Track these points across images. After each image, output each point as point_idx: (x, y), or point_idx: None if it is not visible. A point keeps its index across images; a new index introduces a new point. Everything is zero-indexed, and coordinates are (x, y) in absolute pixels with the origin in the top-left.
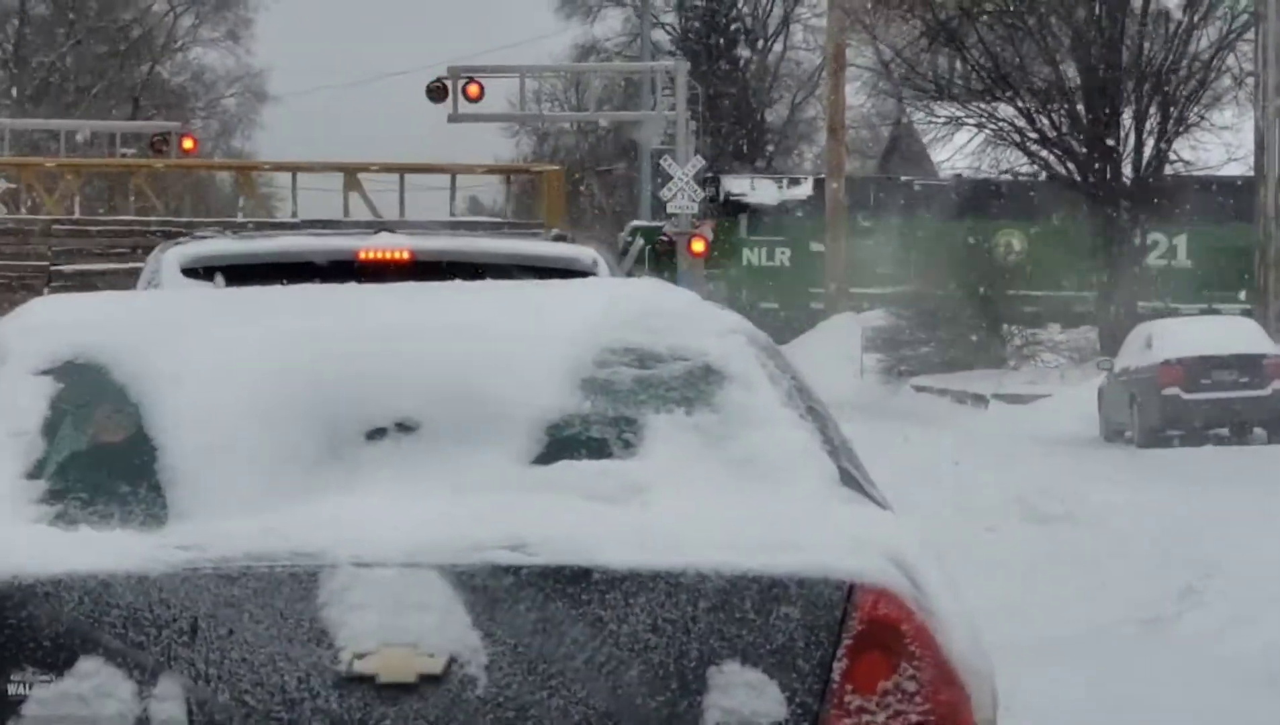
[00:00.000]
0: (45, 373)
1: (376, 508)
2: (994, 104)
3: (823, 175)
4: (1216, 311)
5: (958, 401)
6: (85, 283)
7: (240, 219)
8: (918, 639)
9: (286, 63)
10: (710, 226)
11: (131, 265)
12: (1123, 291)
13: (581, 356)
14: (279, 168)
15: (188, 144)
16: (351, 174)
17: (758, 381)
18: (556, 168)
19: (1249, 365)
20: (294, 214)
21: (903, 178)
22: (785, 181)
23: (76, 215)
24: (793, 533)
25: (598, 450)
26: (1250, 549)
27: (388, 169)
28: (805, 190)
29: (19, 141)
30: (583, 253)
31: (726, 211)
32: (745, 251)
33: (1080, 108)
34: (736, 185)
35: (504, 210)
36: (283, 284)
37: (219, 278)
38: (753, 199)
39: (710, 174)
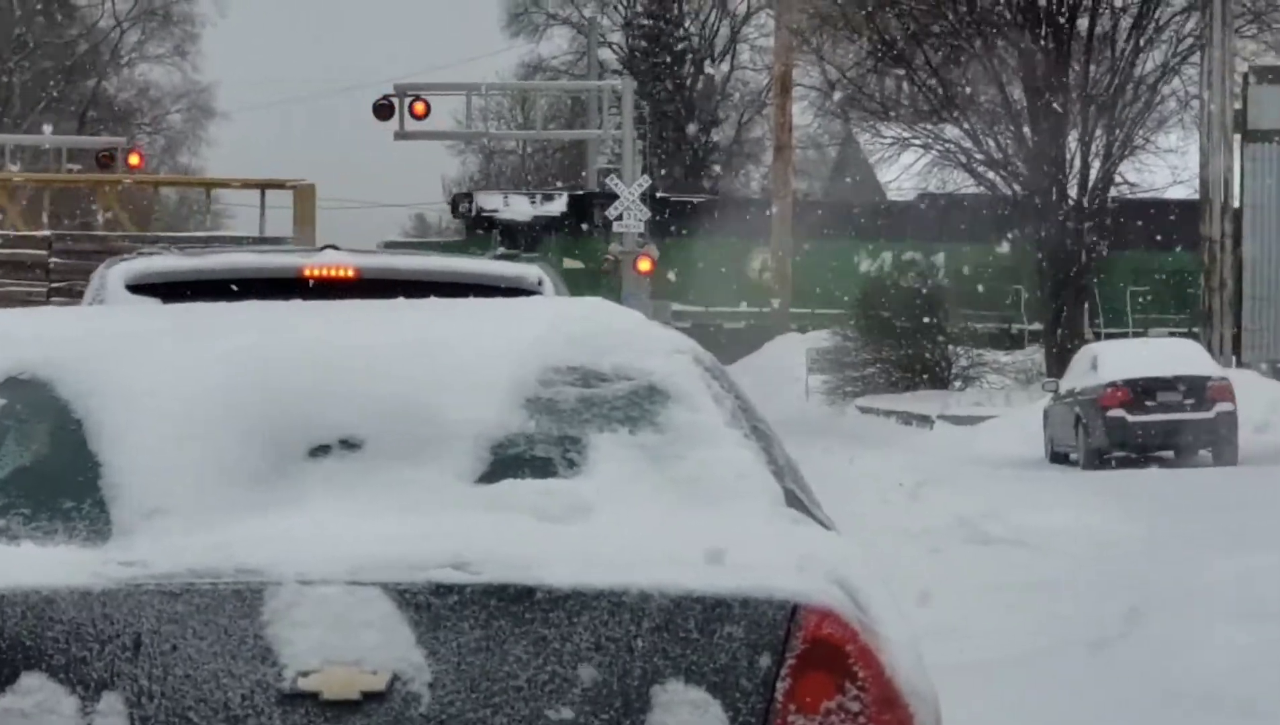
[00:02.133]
0: None
1: (321, 525)
2: (940, 125)
3: (579, 191)
4: (1162, 334)
5: (903, 422)
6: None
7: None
8: (861, 660)
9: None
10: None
11: None
12: (1068, 313)
13: (526, 375)
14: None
15: (134, 160)
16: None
17: (702, 401)
18: (310, 182)
19: (1193, 387)
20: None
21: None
22: (539, 198)
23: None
24: (737, 553)
25: (542, 469)
26: (1195, 571)
27: (142, 182)
28: (559, 206)
29: None
30: (528, 271)
31: (480, 228)
32: None
33: (1026, 130)
34: (490, 201)
35: (260, 226)
36: (229, 301)
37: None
38: (505, 215)
39: (465, 190)
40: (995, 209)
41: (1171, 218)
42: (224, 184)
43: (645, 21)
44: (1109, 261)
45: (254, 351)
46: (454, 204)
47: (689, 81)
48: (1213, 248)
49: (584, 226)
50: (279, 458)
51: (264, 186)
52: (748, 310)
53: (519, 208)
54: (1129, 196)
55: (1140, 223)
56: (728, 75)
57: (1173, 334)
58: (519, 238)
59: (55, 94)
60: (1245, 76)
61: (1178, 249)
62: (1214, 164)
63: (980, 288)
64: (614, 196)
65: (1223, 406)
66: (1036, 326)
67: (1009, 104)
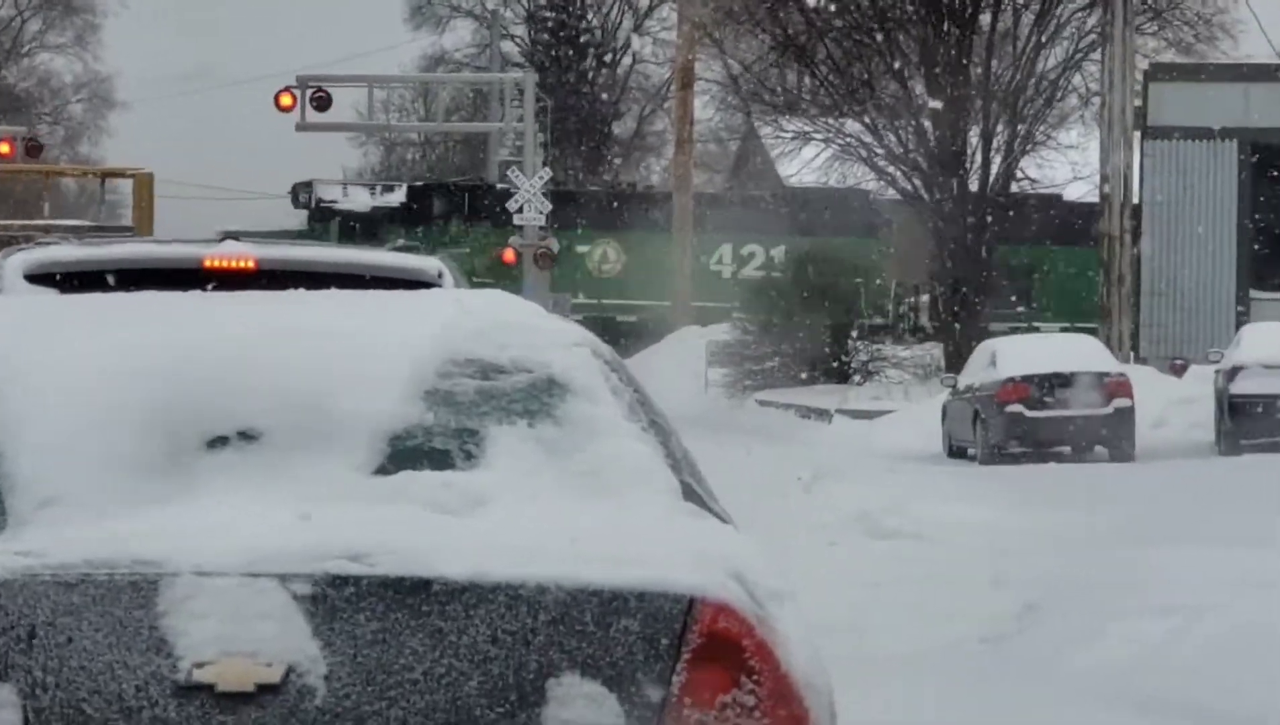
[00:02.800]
0: None
1: (218, 517)
2: (842, 119)
3: (418, 182)
4: (1061, 329)
5: (801, 416)
6: None
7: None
8: (757, 654)
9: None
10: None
11: None
12: (967, 309)
13: (425, 367)
14: None
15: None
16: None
17: (601, 394)
18: (148, 172)
19: (1091, 383)
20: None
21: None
22: (379, 189)
23: None
24: (634, 546)
25: (440, 461)
26: (1091, 566)
27: None
28: (399, 197)
29: None
30: (428, 263)
31: (317, 219)
32: None
33: (928, 124)
34: (329, 192)
35: (96, 214)
36: (128, 291)
37: None
38: (345, 206)
39: (305, 181)
40: (897, 203)
41: (1072, 214)
42: (62, 172)
43: (548, 14)
44: (1008, 257)
45: (152, 342)
46: (294, 194)
47: (591, 75)
48: (1112, 244)
49: (424, 218)
50: (177, 449)
51: (104, 175)
52: (647, 303)
53: (358, 199)
54: (1030, 192)
55: (1041, 218)
56: (629, 69)
57: (1064, 330)
58: (358, 228)
59: None
60: (1146, 73)
61: (1077, 244)
62: (1114, 160)
63: (879, 282)
64: (452, 189)
65: (1120, 402)
66: (935, 322)
67: (910, 99)
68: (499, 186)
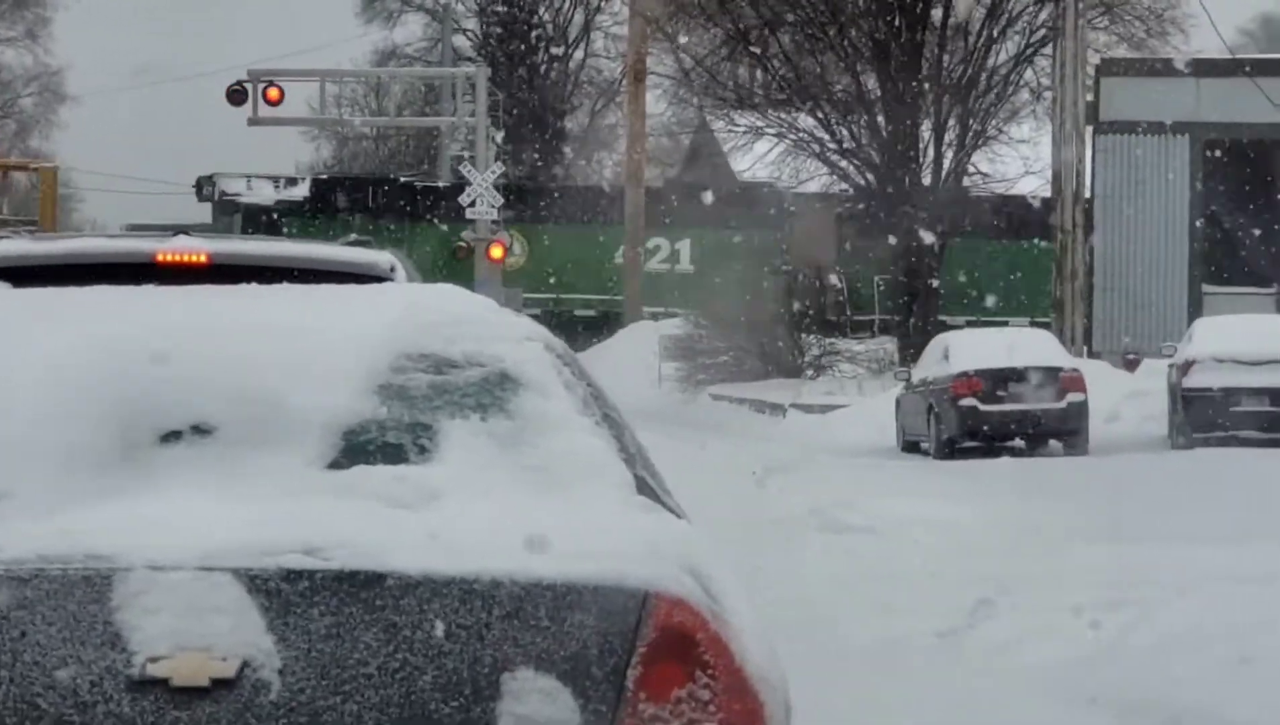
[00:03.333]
0: None
1: (171, 511)
2: (794, 114)
3: (322, 175)
4: (1013, 324)
5: (755, 411)
6: None
7: None
8: (711, 648)
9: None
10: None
11: None
12: (920, 303)
13: (378, 362)
14: None
15: None
16: None
17: (553, 388)
18: (53, 166)
19: (1045, 377)
20: None
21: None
22: (283, 182)
23: None
24: (588, 540)
25: (393, 456)
26: (1044, 561)
27: None
28: (303, 191)
29: None
30: (380, 258)
31: (221, 211)
32: None
33: (880, 119)
34: (232, 185)
35: (21, 207)
36: (80, 286)
37: None
38: (248, 199)
39: (208, 174)
40: (850, 198)
41: (1025, 208)
42: None
43: (500, 8)
44: (960, 251)
45: (105, 337)
46: (198, 187)
47: (543, 69)
48: (1064, 238)
49: (329, 211)
50: (130, 443)
51: (7, 168)
52: (600, 298)
53: (262, 191)
54: (983, 186)
55: (994, 213)
56: (582, 63)
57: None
58: (261, 221)
59: None
60: (1097, 68)
61: (1030, 239)
62: (1065, 155)
63: (832, 277)
64: (357, 183)
65: (1074, 397)
66: (888, 316)
67: (862, 93)
68: (404, 180)
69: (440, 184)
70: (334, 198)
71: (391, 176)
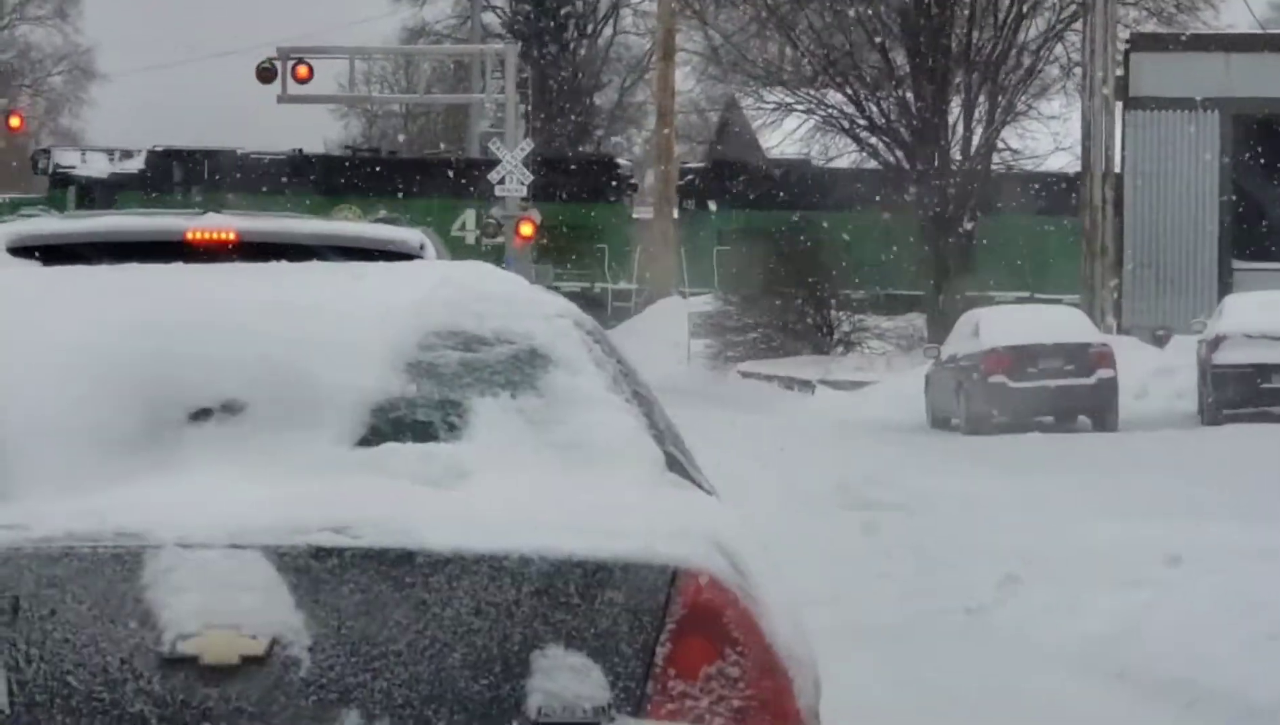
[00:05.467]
0: None
1: (201, 489)
2: (823, 90)
3: (158, 147)
4: (1043, 300)
5: (784, 387)
6: None
7: None
8: (741, 625)
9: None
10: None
11: None
12: (950, 279)
13: (407, 339)
14: None
15: (14, 121)
16: None
17: (583, 366)
18: None
19: (1074, 354)
20: None
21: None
22: (118, 154)
23: None
24: (617, 517)
25: (422, 433)
26: (1071, 537)
27: None
28: (138, 163)
29: None
30: (410, 235)
31: (56, 185)
32: None
33: (909, 95)
34: (66, 158)
35: None
36: (110, 263)
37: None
38: (83, 172)
39: (44, 148)
40: (879, 174)
41: (1055, 184)
42: None
43: None
44: (991, 227)
45: (135, 315)
46: (34, 161)
47: (573, 46)
48: (1094, 214)
49: (164, 184)
50: (160, 421)
51: None
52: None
53: (96, 165)
54: (1013, 163)
55: (1024, 189)
56: (611, 40)
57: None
58: (96, 195)
59: None
60: (1127, 43)
61: (1060, 215)
62: (1095, 130)
63: (863, 253)
64: (194, 155)
65: (1103, 373)
66: (918, 292)
67: (892, 69)
68: (242, 153)
69: (282, 153)
70: (170, 170)
71: (230, 149)
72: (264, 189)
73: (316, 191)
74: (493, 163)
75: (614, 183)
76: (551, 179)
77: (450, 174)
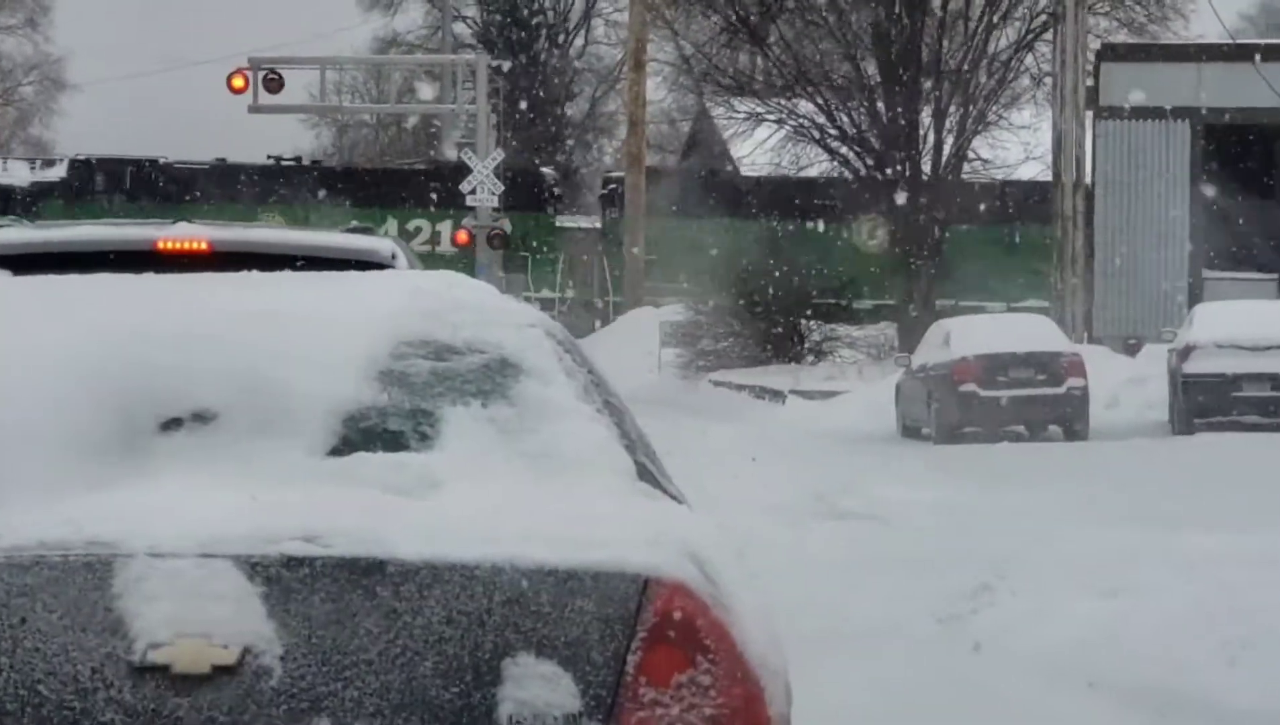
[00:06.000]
0: None
1: (171, 498)
2: (794, 100)
3: (79, 156)
4: (1014, 309)
5: (755, 397)
6: None
7: None
8: (712, 633)
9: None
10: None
11: None
12: (921, 288)
13: (378, 348)
14: None
15: None
16: None
17: (554, 375)
18: None
19: (1045, 363)
20: None
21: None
22: (39, 163)
23: None
24: (589, 527)
25: (393, 443)
26: (1044, 546)
27: None
28: (60, 172)
29: None
30: (381, 245)
31: None
32: None
33: (880, 105)
34: None
35: None
36: (81, 272)
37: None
38: (4, 180)
39: None
40: (849, 184)
41: (1025, 194)
42: None
43: None
44: (961, 237)
45: (105, 324)
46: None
47: (543, 56)
48: (1065, 223)
49: (86, 193)
50: (130, 430)
51: None
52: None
53: (17, 173)
54: (983, 173)
55: (994, 198)
56: (582, 50)
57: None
58: (16, 203)
59: None
60: (1097, 53)
61: (1030, 225)
62: (1066, 140)
63: (833, 262)
64: (116, 165)
65: (1074, 382)
66: (888, 301)
67: (862, 79)
68: (165, 162)
69: (205, 162)
70: (92, 179)
71: (153, 157)
72: (186, 197)
73: (240, 200)
74: (415, 173)
75: (539, 192)
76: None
77: (372, 183)
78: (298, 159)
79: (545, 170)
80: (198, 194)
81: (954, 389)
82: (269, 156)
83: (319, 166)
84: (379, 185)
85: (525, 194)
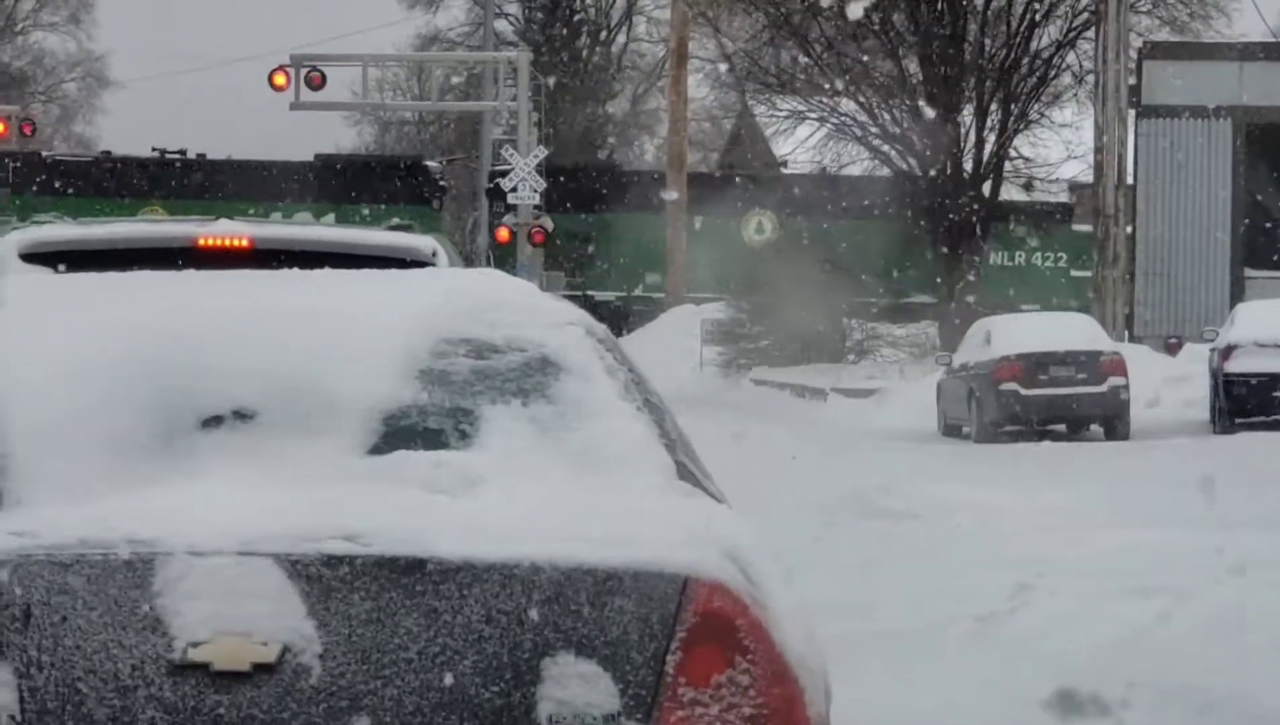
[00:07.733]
0: None
1: (212, 496)
2: (836, 98)
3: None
4: (1055, 308)
5: (797, 395)
6: None
7: None
8: (751, 633)
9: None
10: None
11: None
12: (962, 287)
13: (419, 347)
14: None
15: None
16: None
17: (595, 373)
18: None
19: (1086, 362)
20: None
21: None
22: None
23: None
24: (628, 526)
25: (434, 441)
26: (1082, 546)
27: None
28: None
29: None
30: (423, 242)
31: None
32: None
33: (922, 103)
34: None
35: None
36: (122, 270)
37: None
38: None
39: None
40: (891, 182)
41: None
42: None
43: None
44: (1003, 236)
45: (146, 322)
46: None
47: (585, 53)
48: (1106, 223)
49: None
50: (171, 429)
51: None
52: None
53: None
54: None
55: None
56: (624, 47)
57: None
58: None
59: None
60: (1140, 52)
61: (1070, 223)
62: (1107, 139)
63: (875, 261)
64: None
65: (1115, 381)
66: (930, 300)
67: (904, 77)
68: (48, 155)
69: (88, 156)
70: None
71: (34, 150)
72: (69, 192)
73: (122, 194)
74: (299, 166)
75: (419, 183)
76: (356, 182)
77: (264, 177)
78: (182, 151)
79: (430, 162)
80: (83, 187)
81: (995, 388)
82: (154, 149)
83: (204, 159)
84: (270, 180)
85: (408, 187)
